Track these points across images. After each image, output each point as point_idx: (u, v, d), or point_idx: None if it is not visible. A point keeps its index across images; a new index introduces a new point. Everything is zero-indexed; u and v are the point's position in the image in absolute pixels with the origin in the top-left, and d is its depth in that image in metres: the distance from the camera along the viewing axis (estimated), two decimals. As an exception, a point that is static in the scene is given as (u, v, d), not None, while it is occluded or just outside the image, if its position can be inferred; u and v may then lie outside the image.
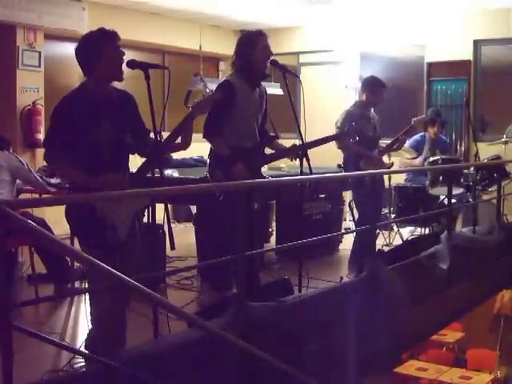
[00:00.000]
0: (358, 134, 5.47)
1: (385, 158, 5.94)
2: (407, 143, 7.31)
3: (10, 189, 4.89)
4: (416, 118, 6.07)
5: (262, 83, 4.53)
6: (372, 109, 5.87)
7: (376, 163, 5.49)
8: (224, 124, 4.25)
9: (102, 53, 3.22)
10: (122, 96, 3.41)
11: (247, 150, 4.31)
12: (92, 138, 3.18)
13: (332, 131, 5.49)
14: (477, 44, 8.99)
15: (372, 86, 5.71)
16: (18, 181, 5.07)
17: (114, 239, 3.17)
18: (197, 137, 5.48)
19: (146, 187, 3.27)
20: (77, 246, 5.12)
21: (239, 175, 4.19)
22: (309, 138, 4.35)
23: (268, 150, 4.60)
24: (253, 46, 4.31)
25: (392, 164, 5.92)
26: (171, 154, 6.52)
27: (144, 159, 3.47)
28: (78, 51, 3.33)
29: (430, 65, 9.31)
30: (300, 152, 4.23)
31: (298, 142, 4.42)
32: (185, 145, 3.50)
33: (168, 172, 5.63)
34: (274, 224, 6.70)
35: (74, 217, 3.23)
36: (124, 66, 3.31)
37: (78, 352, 3.23)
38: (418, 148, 7.16)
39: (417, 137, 7.37)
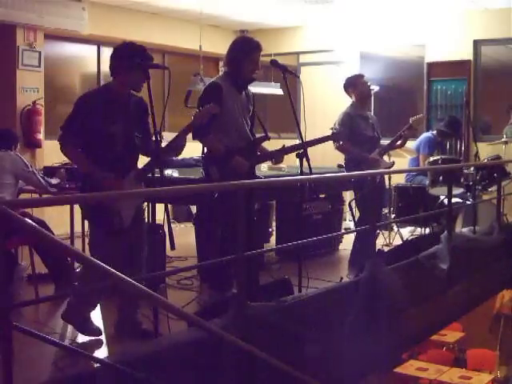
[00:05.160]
0: (357, 135, 5.50)
1: (385, 158, 5.95)
2: (417, 141, 7.34)
3: (12, 191, 4.86)
4: (414, 117, 6.07)
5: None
6: (371, 111, 5.88)
7: (373, 165, 5.49)
8: (212, 124, 4.26)
9: (132, 66, 3.60)
10: (137, 101, 3.80)
11: (241, 148, 4.32)
12: (107, 131, 3.62)
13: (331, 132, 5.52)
14: (477, 44, 8.99)
15: (352, 83, 5.74)
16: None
17: (119, 225, 3.62)
18: (197, 137, 5.43)
19: (148, 185, 3.77)
20: (77, 245, 5.15)
21: (239, 167, 4.20)
22: (309, 137, 4.35)
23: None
24: (246, 56, 4.34)
25: (393, 164, 5.91)
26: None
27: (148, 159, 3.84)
28: (112, 55, 3.73)
29: (430, 65, 9.30)
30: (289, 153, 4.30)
31: (288, 142, 4.45)
32: (180, 150, 3.87)
33: (168, 172, 5.63)
34: (274, 224, 6.70)
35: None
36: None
37: (78, 352, 3.23)
38: (430, 146, 7.18)
39: (429, 134, 7.37)
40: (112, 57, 3.72)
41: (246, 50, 4.35)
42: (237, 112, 4.36)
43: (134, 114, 3.74)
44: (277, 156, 4.46)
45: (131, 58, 3.60)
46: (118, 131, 3.65)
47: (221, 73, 4.85)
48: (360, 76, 5.79)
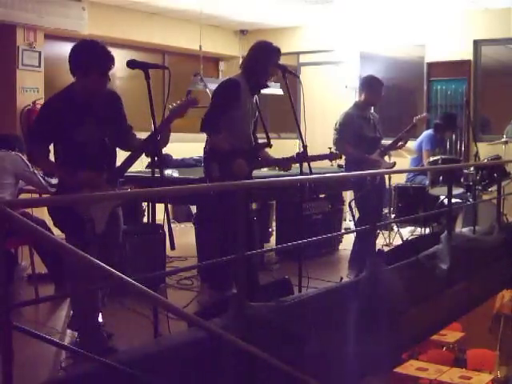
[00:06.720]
0: (358, 136, 5.51)
1: (386, 158, 5.95)
2: (418, 139, 7.35)
3: (12, 191, 4.86)
4: (418, 116, 6.08)
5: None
6: (372, 109, 5.89)
7: (374, 165, 5.49)
8: (222, 122, 4.25)
9: (89, 73, 3.44)
10: (107, 96, 3.63)
11: (244, 151, 4.32)
12: (76, 136, 3.43)
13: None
14: (477, 44, 8.99)
15: (370, 84, 5.73)
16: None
17: (91, 231, 3.43)
18: (197, 137, 5.50)
19: (128, 182, 3.67)
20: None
21: (240, 170, 4.20)
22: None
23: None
24: (268, 60, 4.33)
25: (394, 164, 5.91)
26: (171, 154, 6.57)
27: (127, 153, 3.68)
28: (70, 56, 3.52)
29: (430, 65, 9.31)
30: (293, 162, 4.30)
31: (296, 144, 4.44)
32: (164, 143, 3.65)
33: (168, 172, 5.63)
34: (274, 224, 6.70)
35: (54, 211, 3.52)
36: (124, 66, 3.44)
37: (77, 352, 3.23)
38: (432, 142, 7.20)
39: (430, 131, 7.39)
40: (68, 58, 3.49)
41: (268, 56, 4.34)
42: (246, 113, 4.36)
43: (104, 112, 3.55)
44: (282, 164, 4.46)
45: (87, 62, 3.42)
46: (87, 135, 3.47)
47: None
48: (381, 84, 5.75)
